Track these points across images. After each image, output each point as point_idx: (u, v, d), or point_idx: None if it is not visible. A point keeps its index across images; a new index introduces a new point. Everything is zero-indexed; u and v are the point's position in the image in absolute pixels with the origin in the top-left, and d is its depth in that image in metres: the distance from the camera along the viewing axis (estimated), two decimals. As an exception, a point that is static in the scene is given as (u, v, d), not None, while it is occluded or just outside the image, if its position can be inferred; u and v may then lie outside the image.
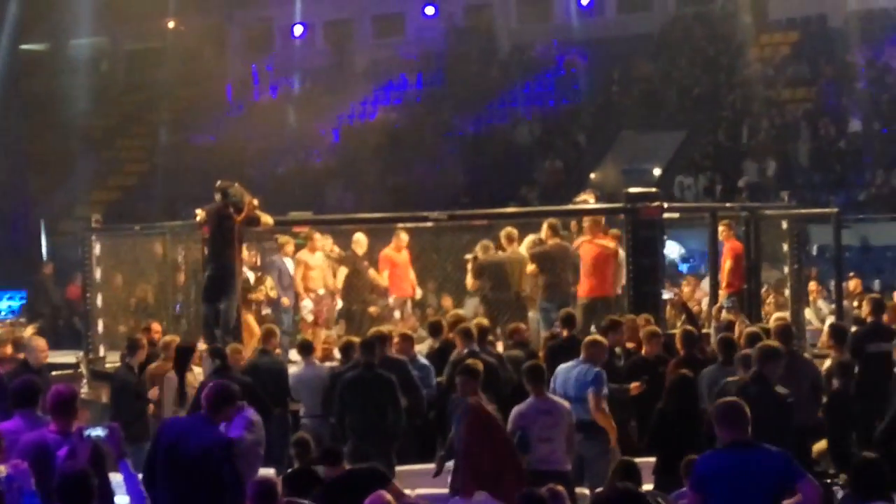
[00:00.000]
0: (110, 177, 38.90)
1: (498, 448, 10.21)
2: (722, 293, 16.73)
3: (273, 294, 17.11)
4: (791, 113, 32.34)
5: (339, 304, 17.65)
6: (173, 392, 12.97)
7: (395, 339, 13.76)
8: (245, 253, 16.34)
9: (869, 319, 13.79)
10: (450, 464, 10.74)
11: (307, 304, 17.27)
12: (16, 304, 24.43)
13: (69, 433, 8.23)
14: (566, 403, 11.03)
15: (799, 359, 12.38)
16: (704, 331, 14.74)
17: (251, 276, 16.87)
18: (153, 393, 13.23)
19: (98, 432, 8.02)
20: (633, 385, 12.49)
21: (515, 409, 10.90)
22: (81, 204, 35.42)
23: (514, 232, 17.03)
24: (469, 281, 17.34)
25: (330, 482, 9.36)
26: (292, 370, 13.95)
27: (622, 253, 16.10)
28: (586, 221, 16.47)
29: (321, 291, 17.36)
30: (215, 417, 8.85)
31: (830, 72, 33.17)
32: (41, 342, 13.54)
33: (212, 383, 9.45)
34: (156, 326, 15.30)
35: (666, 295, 15.23)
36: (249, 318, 16.16)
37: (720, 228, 17.07)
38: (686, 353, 12.58)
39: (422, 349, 14.57)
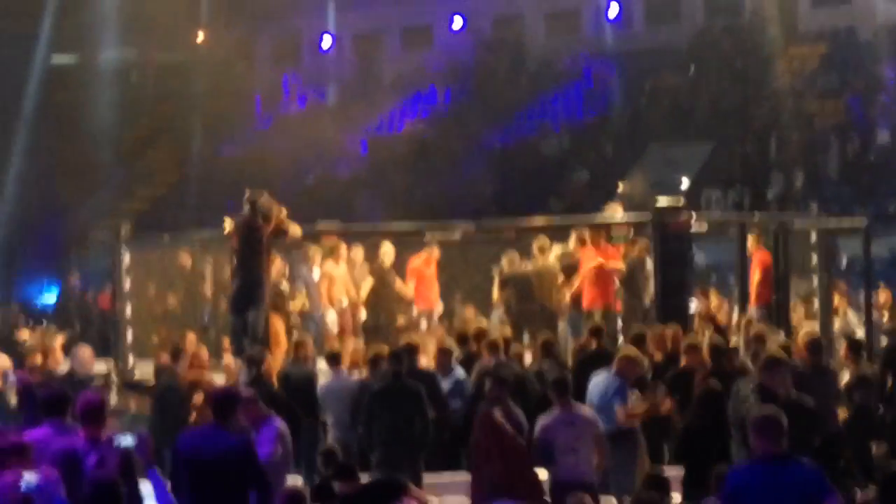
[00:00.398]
0: (140, 187, 39.07)
1: (506, 459, 10.23)
2: (751, 305, 16.72)
3: (307, 306, 17.20)
4: (820, 125, 32.23)
5: (364, 314, 17.65)
6: None
7: (434, 353, 13.81)
8: (279, 264, 16.44)
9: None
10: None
11: (331, 316, 17.29)
12: (51, 297, 24.49)
13: (98, 441, 8.28)
14: (591, 414, 11.02)
15: (826, 371, 12.36)
16: (732, 343, 14.69)
17: (287, 286, 16.93)
18: (198, 398, 13.25)
19: (128, 441, 8.05)
20: (664, 404, 12.43)
21: (540, 421, 10.90)
22: (111, 214, 35.57)
23: (547, 242, 17.07)
24: (495, 293, 17.38)
25: (344, 497, 9.33)
26: (320, 381, 13.96)
27: (650, 264, 16.10)
28: (587, 234, 16.56)
29: (345, 302, 17.39)
30: (225, 423, 8.90)
31: (859, 84, 33.05)
32: (87, 351, 13.65)
33: (213, 391, 9.52)
34: (191, 337, 15.30)
35: (693, 307, 15.19)
36: (279, 327, 16.20)
37: (750, 240, 17.04)
38: (714, 365, 12.54)
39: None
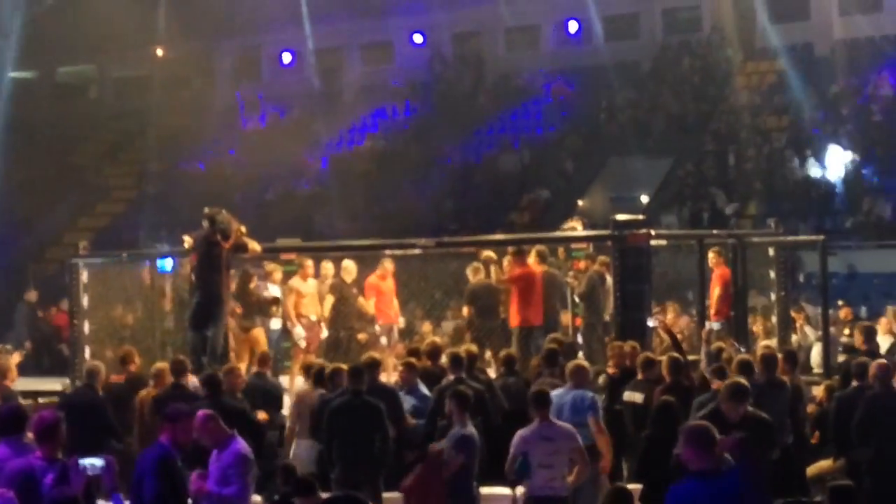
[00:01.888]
0: (98, 203, 38.86)
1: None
2: (710, 319, 16.81)
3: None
4: (777, 140, 32.44)
5: (325, 331, 17.61)
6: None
7: (400, 368, 13.78)
8: (254, 282, 16.59)
9: (863, 348, 14.06)
10: None
11: (300, 331, 17.25)
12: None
13: (55, 460, 8.22)
14: (569, 428, 11.04)
15: (781, 385, 12.47)
16: (691, 357, 14.74)
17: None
18: None
19: (94, 462, 7.98)
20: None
21: (518, 434, 10.94)
22: (69, 230, 35.40)
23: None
24: (465, 310, 17.43)
25: None
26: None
27: (609, 280, 16.15)
28: (510, 252, 16.77)
29: (313, 318, 17.37)
30: (166, 435, 9.03)
31: (817, 100, 33.31)
32: (102, 366, 13.71)
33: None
34: (133, 353, 15.07)
35: (651, 323, 15.20)
36: (260, 335, 16.37)
37: (710, 255, 17.14)
38: (672, 380, 12.58)
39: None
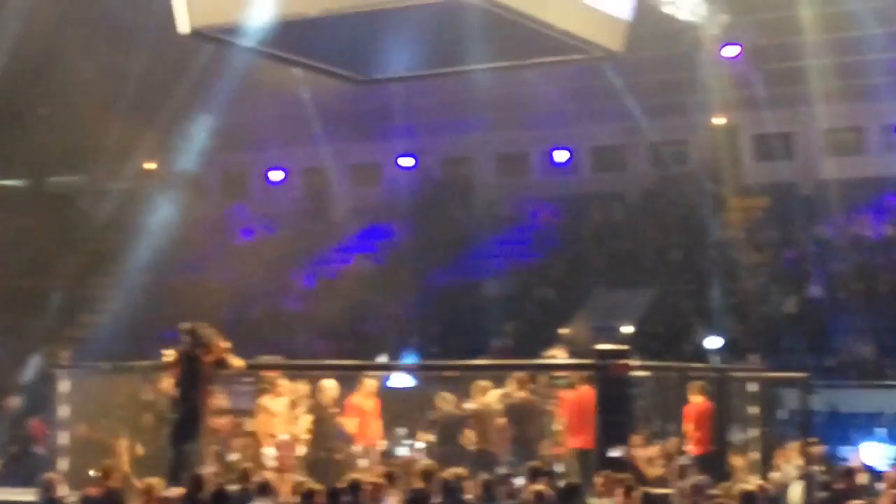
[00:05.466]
0: (82, 314, 38.76)
1: None
2: (689, 452, 16.74)
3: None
4: (762, 276, 32.62)
5: (302, 450, 17.48)
6: None
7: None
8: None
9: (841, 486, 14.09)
10: None
11: (270, 451, 17.14)
12: None
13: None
14: None
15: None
16: (666, 490, 14.67)
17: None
18: None
19: None
20: None
21: None
22: (52, 340, 35.23)
23: (489, 384, 17.18)
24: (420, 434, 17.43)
25: None
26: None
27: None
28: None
29: (285, 437, 17.26)
30: None
31: (801, 237, 33.59)
32: (60, 477, 13.71)
33: None
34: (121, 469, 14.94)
35: (614, 454, 15.04)
36: None
37: (694, 389, 17.11)
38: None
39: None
